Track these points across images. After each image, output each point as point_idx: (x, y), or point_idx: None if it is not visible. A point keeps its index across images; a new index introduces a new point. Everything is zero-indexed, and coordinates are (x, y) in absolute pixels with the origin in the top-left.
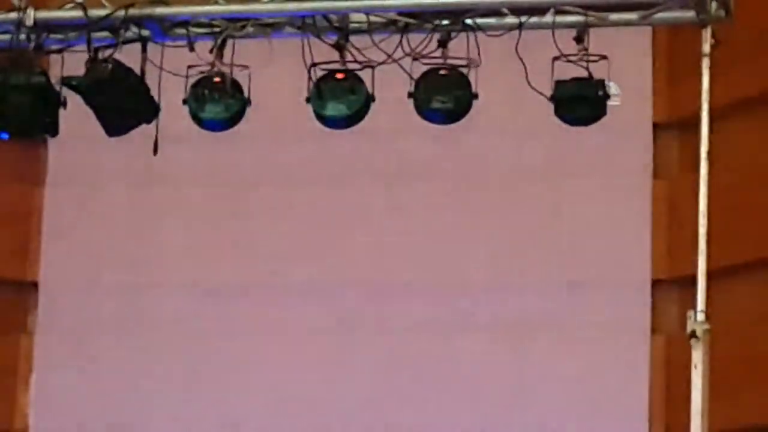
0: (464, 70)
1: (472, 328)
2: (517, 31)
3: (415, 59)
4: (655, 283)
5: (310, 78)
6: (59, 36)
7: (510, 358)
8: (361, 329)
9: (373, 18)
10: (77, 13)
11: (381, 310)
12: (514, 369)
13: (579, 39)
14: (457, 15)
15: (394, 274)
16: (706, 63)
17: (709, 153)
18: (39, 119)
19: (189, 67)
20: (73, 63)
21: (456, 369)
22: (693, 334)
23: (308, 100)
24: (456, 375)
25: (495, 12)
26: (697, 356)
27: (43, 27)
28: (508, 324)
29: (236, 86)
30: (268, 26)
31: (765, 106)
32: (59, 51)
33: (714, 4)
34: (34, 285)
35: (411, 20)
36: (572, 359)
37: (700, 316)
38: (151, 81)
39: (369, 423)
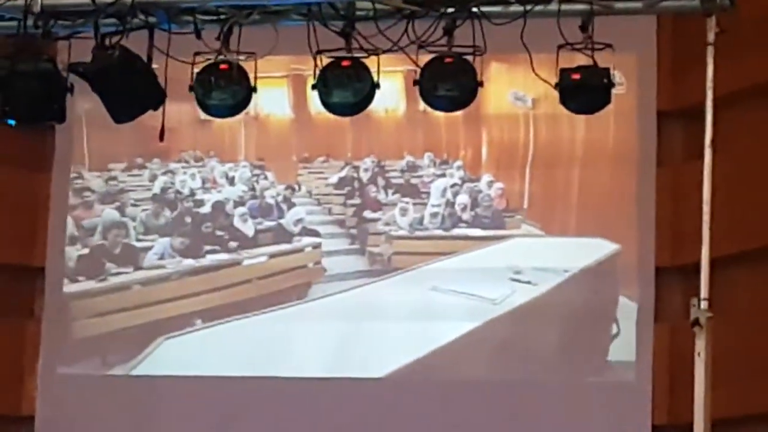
0: (469, 58)
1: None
2: (522, 19)
3: (420, 47)
4: (659, 271)
5: (315, 65)
6: (66, 22)
7: (512, 353)
8: None
9: (378, 5)
10: (84, 0)
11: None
12: (514, 364)
13: (584, 27)
14: (462, 3)
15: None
16: (710, 52)
17: (714, 141)
18: (46, 106)
19: (195, 54)
20: (81, 49)
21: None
22: (696, 322)
23: (314, 87)
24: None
25: (500, 0)
26: (700, 344)
27: (50, 13)
28: (513, 312)
29: (242, 73)
30: (274, 14)
31: None
32: (66, 38)
33: None
34: (41, 270)
35: (417, 8)
36: (576, 346)
37: (704, 304)
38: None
39: None
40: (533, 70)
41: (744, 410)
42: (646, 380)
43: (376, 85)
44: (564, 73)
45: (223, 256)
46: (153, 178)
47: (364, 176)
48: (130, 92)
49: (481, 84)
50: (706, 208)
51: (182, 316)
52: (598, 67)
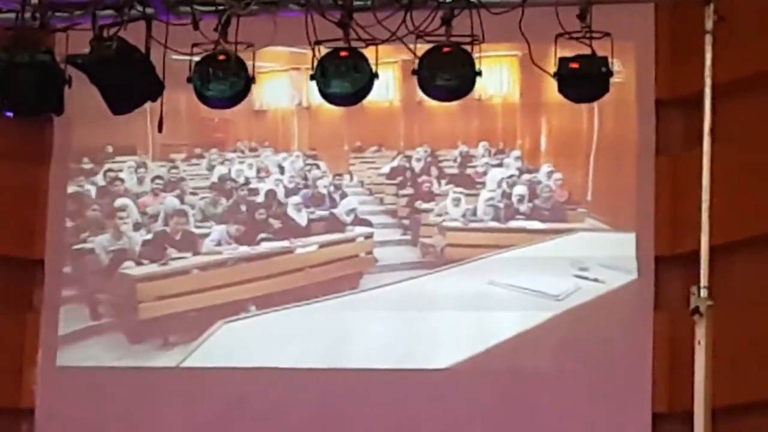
0: (468, 48)
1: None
2: (520, 9)
3: (418, 37)
4: (659, 260)
5: (314, 56)
6: (64, 14)
7: (516, 341)
8: None
9: None
10: None
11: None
12: (518, 351)
13: (582, 16)
14: None
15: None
16: (708, 40)
17: (712, 130)
18: (44, 97)
19: (193, 45)
20: (78, 41)
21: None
22: (696, 310)
23: (312, 77)
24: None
25: None
26: (700, 332)
27: (48, 5)
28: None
29: (240, 64)
30: (272, 4)
31: None
32: (64, 29)
33: None
34: (40, 262)
35: None
36: (576, 335)
37: (703, 292)
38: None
39: None
40: (532, 59)
41: (744, 398)
42: (647, 368)
43: (375, 75)
44: (562, 62)
45: (277, 244)
46: (211, 168)
47: (417, 166)
48: (128, 84)
49: (479, 73)
50: (705, 197)
51: (237, 302)
52: (597, 56)
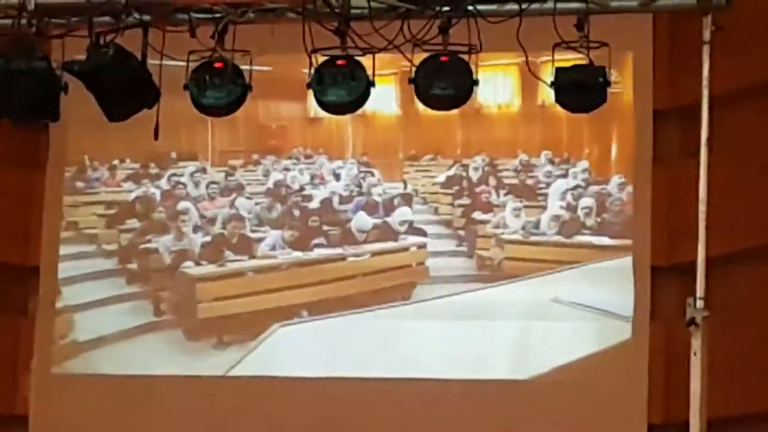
0: (465, 57)
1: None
2: (517, 18)
3: (416, 45)
4: (655, 270)
5: (311, 64)
6: (61, 21)
7: (511, 347)
8: None
9: (374, 4)
10: None
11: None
12: (515, 358)
13: (580, 26)
14: (458, 1)
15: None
16: (706, 50)
17: (710, 140)
18: (40, 104)
19: (190, 52)
20: (75, 48)
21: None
22: (692, 321)
23: (309, 85)
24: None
25: None
26: (697, 343)
27: (44, 12)
28: (513, 312)
29: (237, 71)
30: (269, 12)
31: (765, 93)
32: (61, 36)
33: None
34: (35, 269)
35: (412, 6)
36: (572, 345)
37: (700, 303)
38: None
39: None
40: (529, 68)
41: (740, 409)
42: (643, 379)
43: (372, 84)
44: (560, 71)
45: (330, 251)
46: (267, 174)
47: (474, 175)
48: (125, 91)
49: (476, 82)
50: (702, 207)
51: (290, 307)
52: (594, 66)
